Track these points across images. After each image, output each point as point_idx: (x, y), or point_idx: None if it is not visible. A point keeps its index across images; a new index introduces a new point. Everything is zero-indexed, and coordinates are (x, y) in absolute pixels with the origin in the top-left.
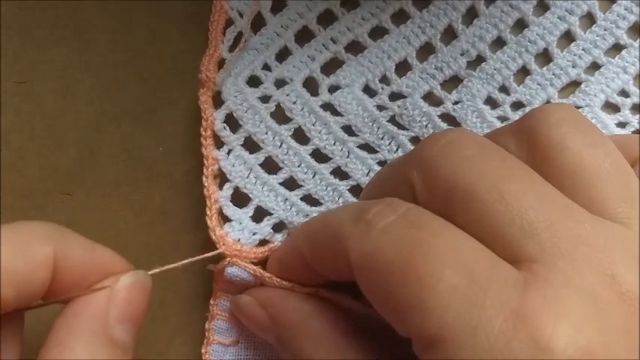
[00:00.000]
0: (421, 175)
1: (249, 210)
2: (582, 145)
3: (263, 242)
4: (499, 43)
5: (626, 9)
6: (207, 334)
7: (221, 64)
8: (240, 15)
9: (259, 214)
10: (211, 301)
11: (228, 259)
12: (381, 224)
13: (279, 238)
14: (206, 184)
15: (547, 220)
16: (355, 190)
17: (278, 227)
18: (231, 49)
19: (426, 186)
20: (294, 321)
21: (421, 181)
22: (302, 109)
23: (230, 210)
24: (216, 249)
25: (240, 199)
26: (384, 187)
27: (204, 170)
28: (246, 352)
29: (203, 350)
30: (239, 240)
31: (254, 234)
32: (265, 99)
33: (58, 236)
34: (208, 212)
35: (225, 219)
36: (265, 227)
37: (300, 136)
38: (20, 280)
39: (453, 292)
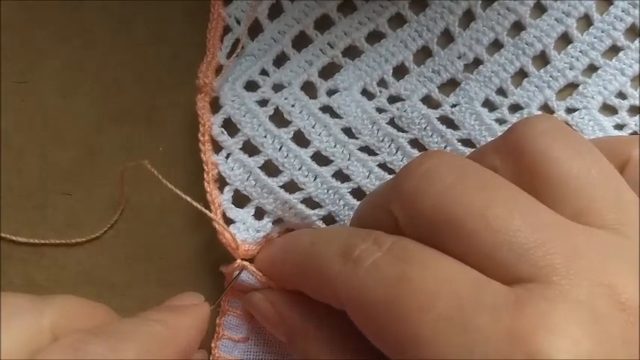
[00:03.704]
0: (402, 209)
1: (251, 209)
2: (568, 154)
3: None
4: (496, 45)
5: (623, 10)
6: (217, 328)
7: (219, 70)
8: (238, 22)
9: (259, 212)
10: (223, 297)
11: (239, 261)
12: (367, 262)
13: (277, 229)
14: (208, 189)
15: (537, 240)
16: (356, 192)
17: (277, 222)
18: (229, 55)
19: (410, 219)
20: (301, 323)
21: (403, 214)
22: (301, 112)
23: (233, 212)
24: (222, 250)
25: (239, 198)
26: (368, 219)
27: (205, 175)
28: (256, 349)
29: (212, 344)
30: (246, 240)
31: (258, 232)
32: (263, 103)
33: (179, 333)
34: (215, 217)
35: (227, 221)
36: (267, 224)
37: (300, 139)
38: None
39: (444, 321)
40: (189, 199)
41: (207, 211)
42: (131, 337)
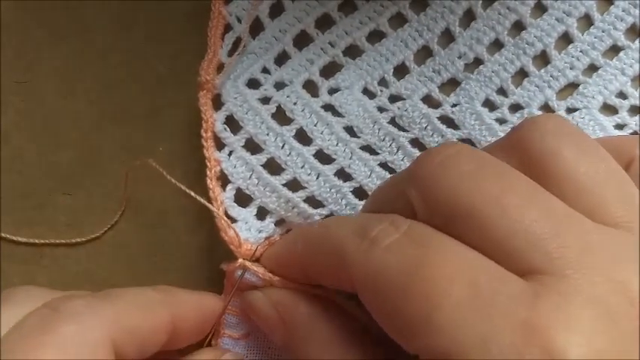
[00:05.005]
0: (420, 194)
1: (253, 209)
2: (576, 152)
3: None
4: (497, 45)
5: (623, 10)
6: (217, 327)
7: (220, 68)
8: (239, 20)
9: (261, 212)
10: (222, 296)
11: (241, 260)
12: (384, 243)
13: (279, 231)
14: (211, 187)
15: (552, 231)
16: (358, 192)
17: (279, 222)
18: (230, 53)
19: (426, 204)
20: (303, 323)
21: (420, 199)
22: (303, 110)
23: (235, 211)
24: (222, 251)
25: (241, 198)
26: (383, 205)
27: (208, 172)
28: (257, 343)
29: (213, 343)
30: (248, 239)
31: (260, 232)
32: (265, 100)
33: (174, 301)
34: (217, 215)
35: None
36: (270, 224)
37: (303, 137)
38: (141, 342)
39: (461, 308)
40: (193, 193)
41: (210, 206)
42: (114, 297)
